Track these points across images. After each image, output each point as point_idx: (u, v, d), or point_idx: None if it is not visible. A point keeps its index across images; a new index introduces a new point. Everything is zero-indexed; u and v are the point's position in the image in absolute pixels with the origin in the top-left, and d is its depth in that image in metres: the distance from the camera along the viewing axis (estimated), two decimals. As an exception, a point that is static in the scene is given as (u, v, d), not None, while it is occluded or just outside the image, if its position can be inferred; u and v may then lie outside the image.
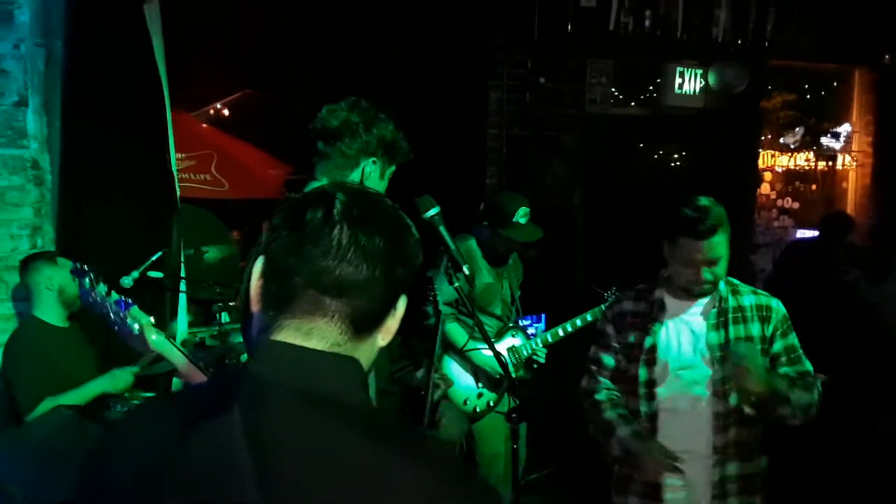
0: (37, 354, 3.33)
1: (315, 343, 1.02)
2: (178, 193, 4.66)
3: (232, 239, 5.82)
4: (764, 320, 2.55)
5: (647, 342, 2.55)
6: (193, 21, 5.31)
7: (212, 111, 7.35)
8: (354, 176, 2.12)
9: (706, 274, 2.41)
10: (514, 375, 3.59)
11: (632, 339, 2.60)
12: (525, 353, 3.90)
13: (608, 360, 2.67)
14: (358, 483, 0.92)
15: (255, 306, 1.08)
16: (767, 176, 7.15)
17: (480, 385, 3.83)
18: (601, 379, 2.68)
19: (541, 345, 3.93)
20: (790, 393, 2.43)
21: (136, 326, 1.98)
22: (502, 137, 5.70)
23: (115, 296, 2.01)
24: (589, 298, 4.15)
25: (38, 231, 3.92)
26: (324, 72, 5.71)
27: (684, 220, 2.38)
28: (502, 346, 3.87)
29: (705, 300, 2.54)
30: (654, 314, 2.58)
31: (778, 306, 2.58)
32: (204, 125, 6.99)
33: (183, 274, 4.56)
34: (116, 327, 2.00)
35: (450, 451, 1.05)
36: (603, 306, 3.97)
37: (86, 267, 2.04)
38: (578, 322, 3.97)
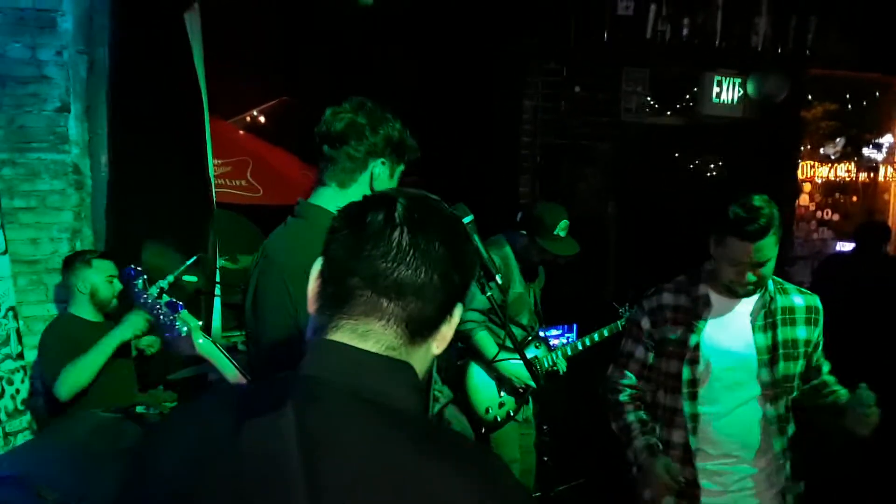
0: (66, 340, 3.38)
1: (371, 346, 1.02)
2: (215, 199, 4.72)
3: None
4: (812, 323, 2.50)
5: (692, 340, 2.46)
6: (232, 29, 5.38)
7: (248, 118, 7.42)
8: (363, 178, 2.05)
9: (750, 276, 2.34)
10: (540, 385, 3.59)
11: (672, 335, 2.50)
12: (546, 364, 3.88)
13: (639, 353, 2.61)
14: (400, 489, 0.91)
15: (311, 307, 1.08)
16: (807, 187, 7.02)
17: (503, 394, 3.81)
18: (627, 373, 2.63)
19: (561, 356, 3.91)
20: None
21: (185, 329, 2.03)
22: (536, 145, 5.69)
23: (166, 298, 2.06)
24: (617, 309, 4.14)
25: (78, 234, 3.99)
26: (355, 79, 5.74)
27: (734, 219, 2.29)
28: None
29: (752, 299, 2.46)
30: (698, 310, 2.48)
31: (820, 307, 2.54)
32: (240, 132, 7.06)
33: (217, 278, 4.61)
34: (165, 329, 2.05)
35: (498, 465, 1.03)
36: (620, 322, 3.96)
37: (139, 269, 2.11)
38: (596, 337, 3.99)
